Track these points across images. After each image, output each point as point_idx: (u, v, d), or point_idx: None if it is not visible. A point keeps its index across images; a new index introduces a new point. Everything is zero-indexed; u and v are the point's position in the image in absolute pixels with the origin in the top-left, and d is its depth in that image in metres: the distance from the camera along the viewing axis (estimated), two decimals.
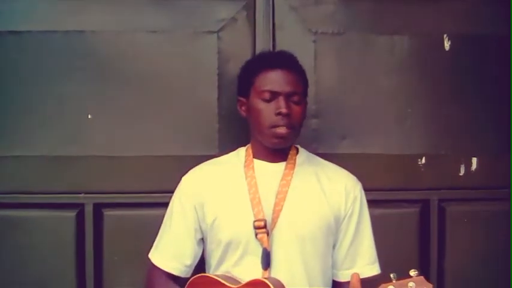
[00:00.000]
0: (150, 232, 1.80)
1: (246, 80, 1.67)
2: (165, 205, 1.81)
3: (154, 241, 1.74)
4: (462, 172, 2.04)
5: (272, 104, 1.59)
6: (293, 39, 1.97)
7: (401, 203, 2.03)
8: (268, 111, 1.59)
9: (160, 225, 1.74)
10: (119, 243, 1.97)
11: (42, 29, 1.94)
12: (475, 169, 2.04)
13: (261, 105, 1.60)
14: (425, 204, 2.04)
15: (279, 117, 1.58)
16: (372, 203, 1.74)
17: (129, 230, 1.96)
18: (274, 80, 1.60)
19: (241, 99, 1.69)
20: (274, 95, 1.59)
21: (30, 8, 1.95)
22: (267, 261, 1.56)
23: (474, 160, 2.04)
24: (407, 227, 2.03)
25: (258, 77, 1.63)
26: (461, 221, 2.05)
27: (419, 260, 2.02)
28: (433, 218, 2.04)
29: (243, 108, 1.69)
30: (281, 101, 1.58)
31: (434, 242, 2.04)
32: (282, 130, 1.58)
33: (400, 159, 2.01)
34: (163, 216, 1.75)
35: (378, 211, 1.84)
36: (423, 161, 2.02)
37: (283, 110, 1.57)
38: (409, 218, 2.03)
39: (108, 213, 1.97)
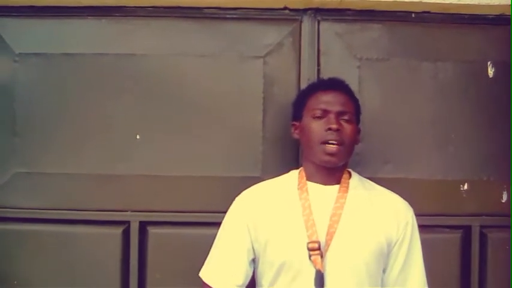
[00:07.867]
0: (194, 250, 1.85)
1: (299, 102, 1.74)
2: (209, 224, 1.85)
3: (197, 259, 1.76)
4: (504, 199, 2.03)
5: (323, 122, 1.64)
6: (338, 64, 2.01)
7: (442, 229, 2.03)
8: (319, 128, 1.64)
9: (203, 243, 1.77)
10: (162, 260, 2.00)
11: (94, 52, 2.01)
12: None
13: (313, 123, 1.66)
14: (466, 230, 2.03)
15: (329, 132, 1.62)
16: None
17: (173, 248, 1.99)
18: (325, 99, 1.67)
19: (295, 123, 1.75)
20: (325, 112, 1.65)
21: (83, 31, 2.02)
22: (320, 283, 1.57)
23: None
24: (449, 253, 2.02)
25: (311, 98, 1.70)
26: (502, 248, 2.03)
27: (460, 286, 2.02)
28: (474, 245, 2.03)
29: (296, 131, 1.74)
30: (331, 118, 1.64)
31: (475, 269, 2.02)
32: (332, 147, 1.62)
33: (442, 184, 2.02)
34: (206, 235, 1.78)
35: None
36: (465, 186, 2.02)
37: (333, 126, 1.62)
38: (451, 244, 2.03)
39: (153, 231, 2.01)
